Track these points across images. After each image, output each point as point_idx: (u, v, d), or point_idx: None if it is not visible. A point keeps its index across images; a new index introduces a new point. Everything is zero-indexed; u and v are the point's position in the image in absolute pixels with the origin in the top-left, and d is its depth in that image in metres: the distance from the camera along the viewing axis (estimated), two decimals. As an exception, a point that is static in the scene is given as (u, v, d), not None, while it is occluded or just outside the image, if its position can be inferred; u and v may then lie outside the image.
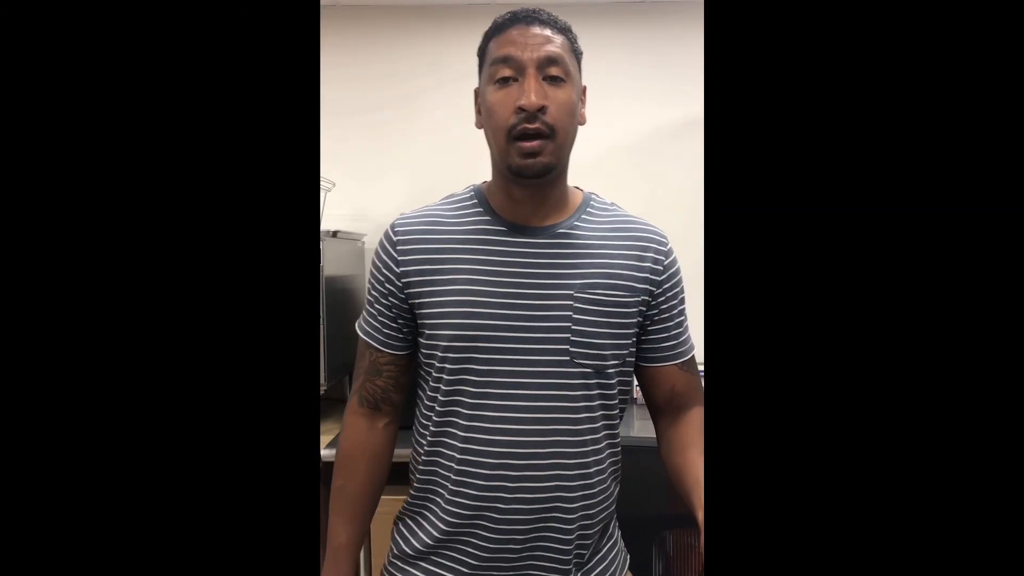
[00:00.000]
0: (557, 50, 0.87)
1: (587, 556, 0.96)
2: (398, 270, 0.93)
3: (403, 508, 1.02)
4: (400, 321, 0.95)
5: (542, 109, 0.85)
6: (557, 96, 0.87)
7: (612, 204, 1.01)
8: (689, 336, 1.03)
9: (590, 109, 2.70)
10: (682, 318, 1.01)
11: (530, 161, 0.86)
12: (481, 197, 0.97)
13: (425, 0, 2.20)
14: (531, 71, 0.85)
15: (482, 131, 0.94)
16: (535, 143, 0.86)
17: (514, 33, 0.88)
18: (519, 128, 0.86)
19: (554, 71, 0.87)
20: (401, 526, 1.00)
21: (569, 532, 0.91)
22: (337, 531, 0.98)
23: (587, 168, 2.47)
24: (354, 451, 0.98)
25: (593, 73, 2.44)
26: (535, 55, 0.86)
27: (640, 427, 2.08)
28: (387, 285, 0.94)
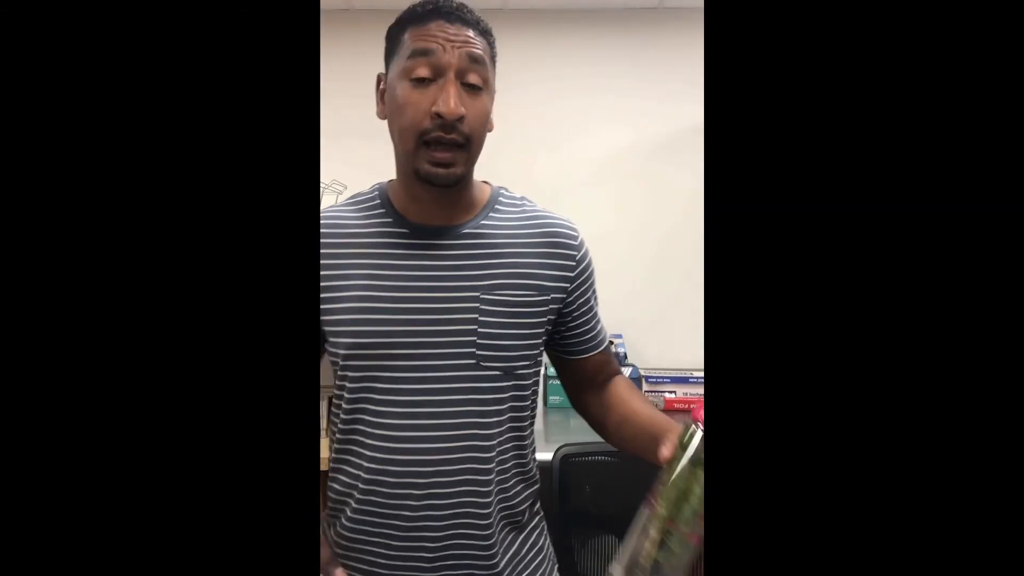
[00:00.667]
0: (479, 52, 0.83)
1: (511, 568, 0.93)
2: None
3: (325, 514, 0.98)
4: None
5: (460, 119, 0.81)
6: (474, 105, 0.83)
7: (522, 199, 0.97)
8: (603, 326, 1.03)
9: (598, 114, 2.67)
10: (596, 310, 1.00)
11: (442, 171, 0.83)
12: (384, 198, 0.92)
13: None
14: (451, 76, 0.81)
15: (386, 122, 0.88)
16: (449, 154, 0.82)
17: (435, 28, 0.82)
18: (433, 135, 0.81)
19: (473, 78, 0.83)
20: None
21: (487, 537, 0.89)
22: None
23: (590, 174, 2.47)
24: None
25: (596, 78, 2.45)
26: (457, 58, 0.81)
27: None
28: None
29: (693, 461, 0.70)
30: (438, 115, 0.80)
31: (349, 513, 0.90)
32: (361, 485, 0.88)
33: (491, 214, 0.92)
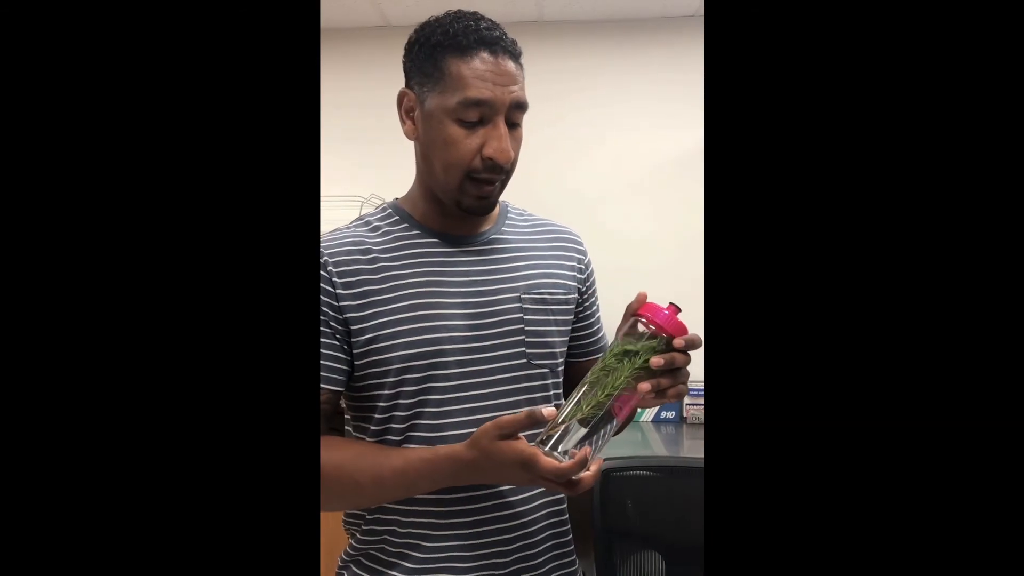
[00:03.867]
0: (523, 97, 0.84)
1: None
2: (335, 291, 0.85)
3: (346, 555, 0.93)
4: (346, 348, 0.86)
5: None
6: (516, 140, 0.85)
7: (523, 210, 1.01)
8: (603, 328, 1.04)
9: (635, 123, 2.64)
10: (599, 314, 1.03)
11: (485, 203, 0.86)
12: (403, 213, 0.92)
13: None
14: (501, 118, 0.82)
15: (415, 141, 0.89)
16: (492, 187, 0.85)
17: (481, 65, 0.81)
18: (483, 175, 0.83)
19: (517, 118, 0.84)
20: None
21: (538, 544, 0.89)
22: (401, 455, 0.83)
23: (626, 182, 2.45)
24: (331, 443, 0.85)
25: (634, 86, 2.43)
26: (507, 103, 0.82)
27: (689, 446, 2.04)
28: (325, 311, 0.85)
29: (628, 353, 0.76)
30: (490, 159, 0.82)
31: (400, 528, 0.87)
32: (421, 496, 0.86)
33: (507, 223, 0.96)
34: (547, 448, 0.73)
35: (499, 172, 0.83)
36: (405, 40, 0.88)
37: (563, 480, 0.72)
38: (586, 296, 0.98)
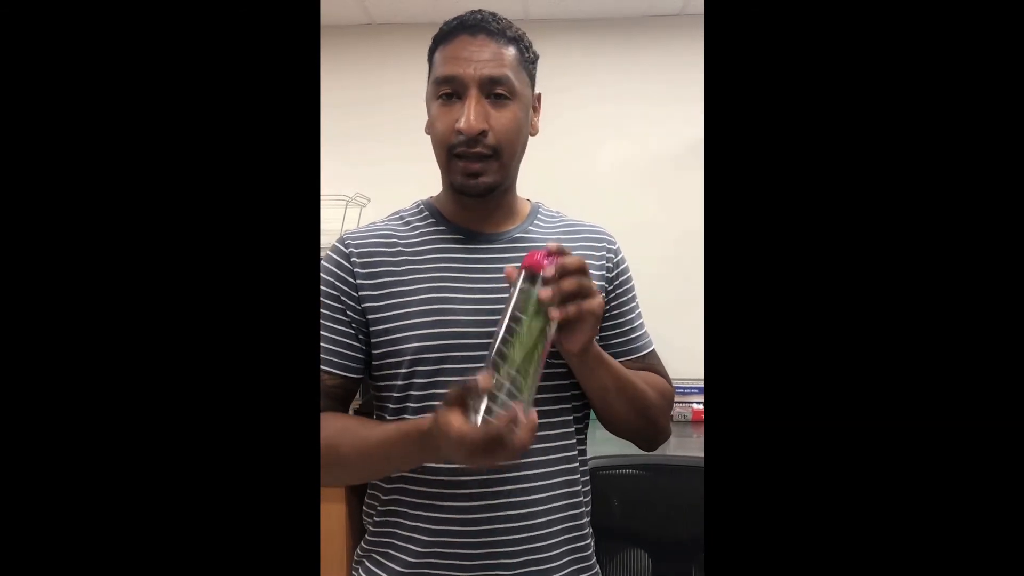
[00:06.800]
0: (503, 70, 0.84)
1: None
2: (355, 282, 0.88)
3: (360, 550, 0.95)
4: (361, 337, 0.89)
5: (482, 133, 0.83)
6: (500, 117, 0.84)
7: (557, 212, 1.02)
8: (645, 333, 1.02)
9: (622, 121, 2.65)
10: (634, 315, 1.00)
11: (472, 182, 0.85)
12: (432, 209, 0.95)
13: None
14: (473, 91, 0.83)
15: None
16: (477, 164, 0.85)
17: (459, 46, 0.85)
18: (459, 149, 0.84)
19: (498, 90, 0.84)
20: (363, 570, 0.92)
21: (554, 547, 0.88)
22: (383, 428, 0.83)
23: (616, 181, 2.46)
24: (328, 419, 0.86)
25: (619, 85, 2.44)
26: (477, 75, 0.83)
27: (676, 444, 2.04)
28: (343, 299, 0.88)
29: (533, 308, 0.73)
30: (459, 131, 0.83)
31: (409, 522, 0.88)
32: (432, 489, 0.86)
33: (535, 222, 0.96)
34: (475, 416, 0.66)
35: (473, 145, 0.83)
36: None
37: (489, 446, 0.66)
38: (615, 295, 0.97)
